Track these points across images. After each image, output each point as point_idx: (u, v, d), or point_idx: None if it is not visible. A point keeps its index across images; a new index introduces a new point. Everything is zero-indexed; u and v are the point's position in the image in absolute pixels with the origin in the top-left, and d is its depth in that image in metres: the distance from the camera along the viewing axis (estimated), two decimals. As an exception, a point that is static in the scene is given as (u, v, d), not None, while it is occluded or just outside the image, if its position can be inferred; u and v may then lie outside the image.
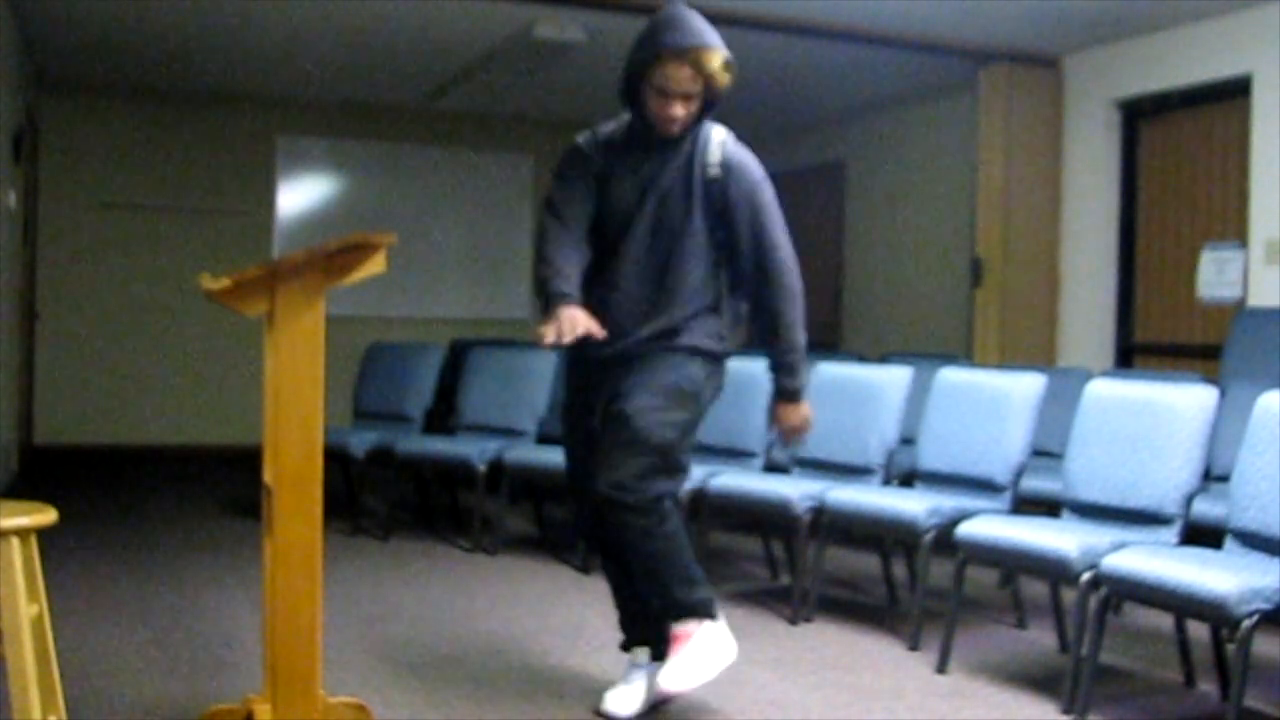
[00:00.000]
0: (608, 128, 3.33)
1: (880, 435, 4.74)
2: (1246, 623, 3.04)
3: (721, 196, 3.25)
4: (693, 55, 3.10)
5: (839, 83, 8.52)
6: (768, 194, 3.31)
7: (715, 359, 3.31)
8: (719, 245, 3.30)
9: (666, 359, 3.24)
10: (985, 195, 7.40)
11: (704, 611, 3.22)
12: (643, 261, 3.25)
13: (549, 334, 3.08)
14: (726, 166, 3.26)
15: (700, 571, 3.25)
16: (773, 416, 3.48)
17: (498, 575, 5.25)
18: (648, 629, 3.39)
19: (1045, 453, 5.02)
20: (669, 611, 3.23)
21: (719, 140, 3.29)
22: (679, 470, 3.24)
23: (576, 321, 3.09)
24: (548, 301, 3.16)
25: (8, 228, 6.99)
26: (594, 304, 3.23)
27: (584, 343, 3.15)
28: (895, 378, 4.82)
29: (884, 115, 9.19)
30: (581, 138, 3.34)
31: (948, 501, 4.24)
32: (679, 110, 3.15)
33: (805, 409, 3.42)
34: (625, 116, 3.31)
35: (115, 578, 4.99)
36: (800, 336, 3.33)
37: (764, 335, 3.36)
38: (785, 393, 3.39)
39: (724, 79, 3.17)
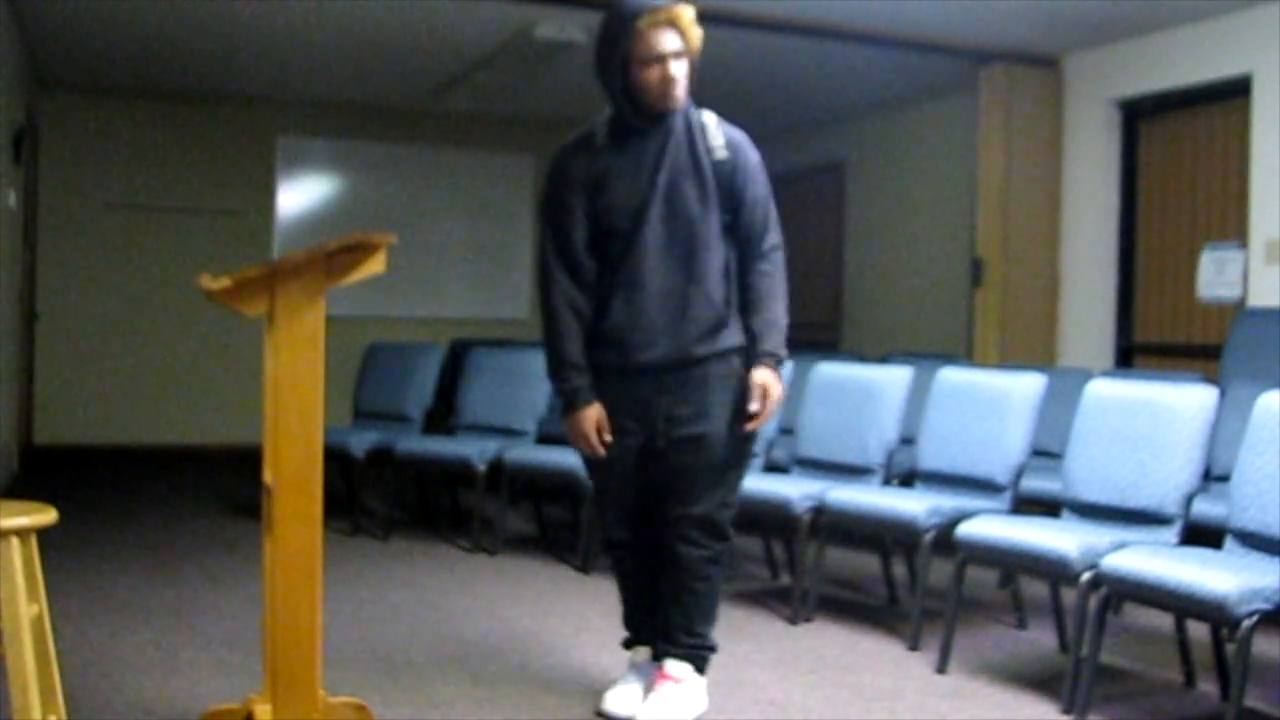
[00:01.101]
0: (586, 130, 3.28)
1: (880, 435, 4.74)
2: (1246, 623, 3.04)
3: (730, 178, 3.21)
4: (666, 15, 3.11)
5: (839, 83, 8.52)
6: (765, 174, 3.31)
7: (745, 352, 3.27)
8: (725, 227, 3.23)
9: (722, 369, 3.20)
10: (985, 195, 7.40)
11: (701, 664, 3.33)
12: (664, 251, 3.17)
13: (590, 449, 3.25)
14: (732, 147, 3.24)
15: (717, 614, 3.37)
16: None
17: (498, 575, 5.25)
18: (653, 629, 3.39)
19: (1045, 453, 5.02)
20: (682, 642, 3.29)
21: (714, 122, 3.27)
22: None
23: (601, 429, 3.23)
24: (566, 401, 3.28)
25: (8, 228, 6.99)
26: (622, 306, 3.19)
27: (623, 350, 3.18)
28: (895, 378, 4.82)
29: (884, 115, 9.19)
30: (562, 150, 3.29)
31: (948, 501, 4.24)
32: (677, 70, 3.12)
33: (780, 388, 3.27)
34: (603, 115, 3.26)
35: (115, 578, 4.99)
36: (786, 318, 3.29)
37: (751, 310, 3.24)
38: (775, 357, 3.20)
39: (698, 35, 3.17)
